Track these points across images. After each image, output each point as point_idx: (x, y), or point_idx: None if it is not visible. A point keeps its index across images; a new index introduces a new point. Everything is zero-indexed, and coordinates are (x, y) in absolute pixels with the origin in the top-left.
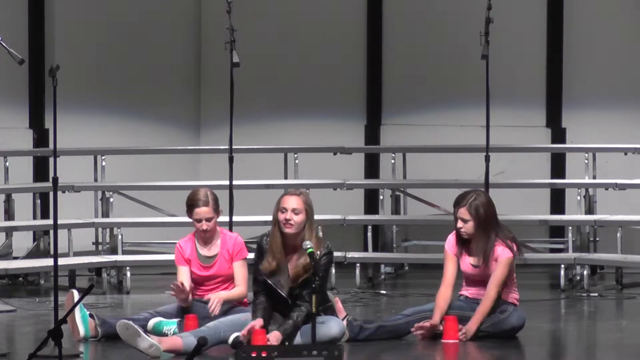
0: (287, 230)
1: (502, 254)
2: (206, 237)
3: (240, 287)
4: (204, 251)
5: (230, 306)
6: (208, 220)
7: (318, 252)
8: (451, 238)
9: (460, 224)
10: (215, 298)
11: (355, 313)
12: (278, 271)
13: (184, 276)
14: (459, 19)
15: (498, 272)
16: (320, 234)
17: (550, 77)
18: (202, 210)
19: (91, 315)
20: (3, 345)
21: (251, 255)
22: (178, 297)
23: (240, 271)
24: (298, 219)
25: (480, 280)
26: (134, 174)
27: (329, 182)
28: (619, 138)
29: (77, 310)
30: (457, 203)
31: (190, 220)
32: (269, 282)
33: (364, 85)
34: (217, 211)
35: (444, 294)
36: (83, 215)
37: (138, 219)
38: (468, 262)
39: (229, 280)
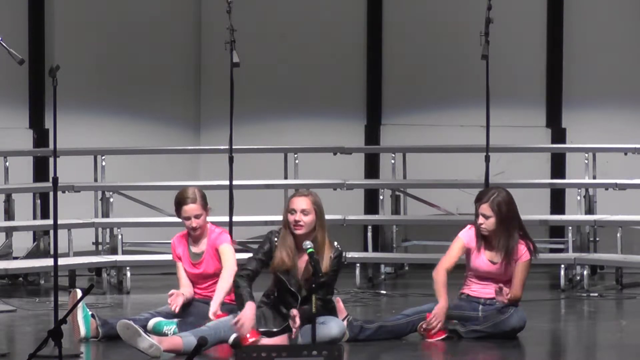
0: (298, 232)
1: (524, 256)
2: (196, 236)
3: (228, 269)
4: (194, 248)
5: (234, 307)
6: (197, 217)
7: (331, 256)
8: (470, 231)
9: (481, 219)
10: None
11: (355, 313)
12: (291, 271)
13: (181, 271)
14: (459, 19)
15: (522, 275)
16: None
17: (550, 77)
18: (190, 208)
19: (93, 316)
20: (3, 345)
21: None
22: (174, 302)
23: (227, 253)
24: (307, 219)
25: (494, 278)
26: (134, 174)
27: (329, 182)
28: (619, 138)
29: (79, 310)
30: (479, 199)
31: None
32: (282, 277)
33: (364, 85)
34: (205, 208)
35: (444, 276)
36: (83, 215)
37: (138, 219)
38: (485, 258)
39: None
